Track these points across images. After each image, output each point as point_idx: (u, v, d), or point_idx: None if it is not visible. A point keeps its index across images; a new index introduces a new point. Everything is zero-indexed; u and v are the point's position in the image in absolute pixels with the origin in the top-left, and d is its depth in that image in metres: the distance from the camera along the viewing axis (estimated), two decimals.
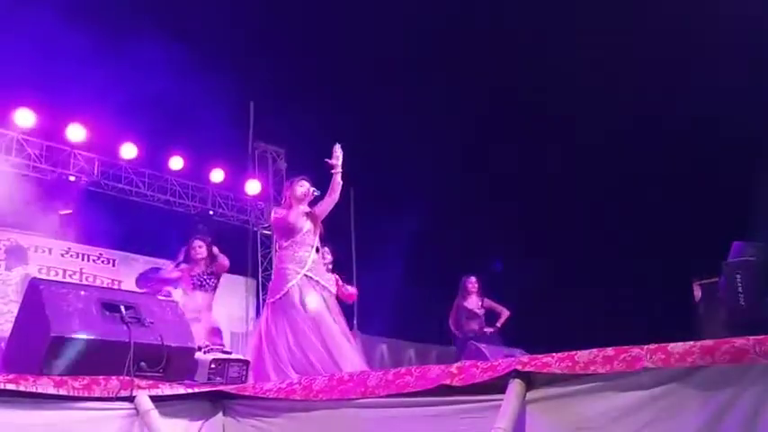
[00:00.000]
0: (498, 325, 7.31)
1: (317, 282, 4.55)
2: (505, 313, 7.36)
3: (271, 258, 11.89)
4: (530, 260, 10.10)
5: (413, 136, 10.51)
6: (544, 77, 9.68)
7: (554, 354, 2.20)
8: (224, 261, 5.80)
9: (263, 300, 11.34)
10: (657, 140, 9.76)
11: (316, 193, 4.77)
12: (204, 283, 5.68)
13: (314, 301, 4.39)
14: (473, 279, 7.42)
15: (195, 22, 9.37)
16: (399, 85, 10.44)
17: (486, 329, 7.24)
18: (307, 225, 4.70)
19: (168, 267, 6.02)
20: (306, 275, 4.49)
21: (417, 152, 10.39)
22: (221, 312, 9.95)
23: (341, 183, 4.77)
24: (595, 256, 10.00)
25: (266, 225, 12.05)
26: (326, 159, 4.78)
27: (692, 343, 1.99)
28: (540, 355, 2.22)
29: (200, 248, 5.76)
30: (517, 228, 10.43)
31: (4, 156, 9.00)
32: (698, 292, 5.39)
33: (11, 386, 2.47)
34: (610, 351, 2.07)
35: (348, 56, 10.24)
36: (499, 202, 10.47)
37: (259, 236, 11.97)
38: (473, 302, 7.35)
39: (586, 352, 2.12)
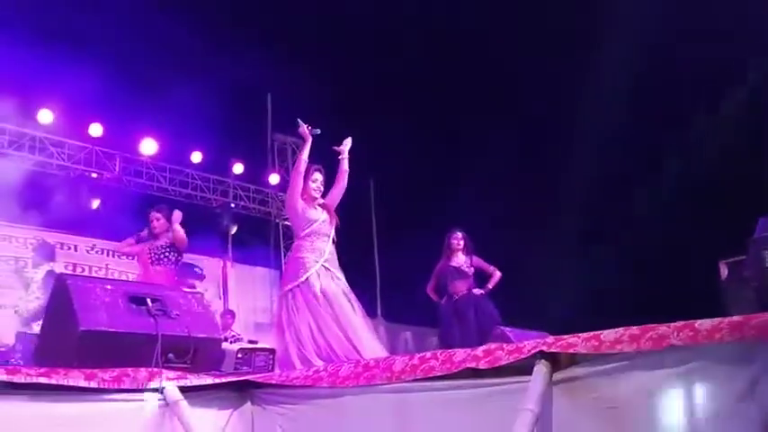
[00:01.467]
0: (490, 287, 6.35)
1: (333, 273, 4.56)
2: (497, 274, 6.40)
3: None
4: (552, 236, 9.92)
5: (432, 126, 10.47)
6: None
7: (579, 334, 2.18)
8: (180, 233, 5.48)
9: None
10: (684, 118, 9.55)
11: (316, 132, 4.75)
12: (163, 257, 5.43)
13: (332, 290, 4.39)
14: (458, 234, 6.46)
15: (209, 13, 9.38)
16: (417, 77, 10.37)
17: (475, 290, 6.29)
18: (322, 216, 4.70)
19: (128, 240, 5.74)
20: (323, 266, 4.52)
21: (431, 138, 10.34)
22: (246, 303, 10.07)
23: (347, 170, 4.77)
24: (621, 237, 9.85)
25: (287, 216, 12.12)
26: (334, 147, 4.79)
27: (719, 319, 1.96)
28: (565, 336, 2.21)
29: (157, 221, 5.51)
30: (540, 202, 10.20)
31: (27, 154, 9.13)
32: (724, 271, 5.31)
33: (43, 379, 2.51)
34: (636, 330, 2.06)
35: (364, 44, 10.20)
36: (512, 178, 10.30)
37: (281, 227, 12.04)
38: (459, 260, 6.41)
39: (612, 331, 2.10)
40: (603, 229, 10.11)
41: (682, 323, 2.00)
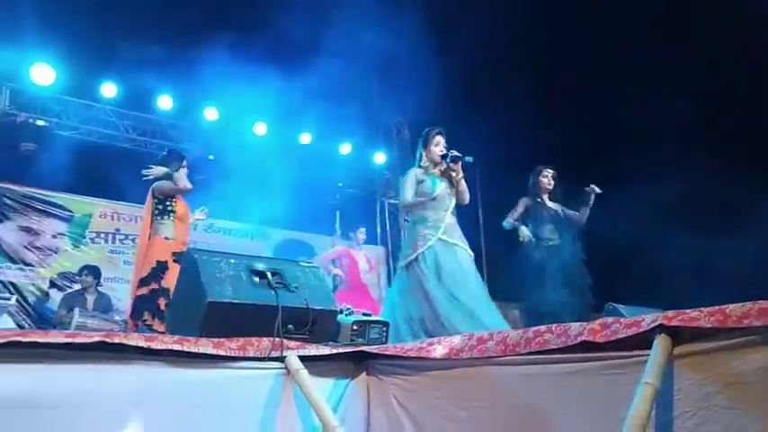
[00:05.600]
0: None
1: (453, 244, 4.52)
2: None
3: (399, 228, 12.12)
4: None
5: (531, 104, 10.19)
6: None
7: (702, 308, 2.12)
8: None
9: (394, 267, 11.65)
10: None
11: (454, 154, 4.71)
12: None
13: (450, 263, 4.39)
14: (550, 171, 5.76)
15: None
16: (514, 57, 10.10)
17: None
18: (441, 186, 4.67)
19: None
20: (441, 239, 4.50)
21: (539, 120, 10.06)
22: None
23: (465, 187, 4.78)
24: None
25: (392, 195, 12.27)
26: (451, 165, 4.75)
27: None
28: (687, 310, 2.16)
29: None
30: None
31: (149, 138, 9.69)
32: None
33: (176, 346, 2.69)
34: (765, 303, 1.98)
35: (468, 27, 10.06)
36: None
37: (387, 205, 12.20)
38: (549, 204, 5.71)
39: (738, 305, 2.03)
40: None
41: None
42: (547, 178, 5.77)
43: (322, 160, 11.24)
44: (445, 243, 4.49)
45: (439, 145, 4.74)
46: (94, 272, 7.81)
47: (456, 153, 4.71)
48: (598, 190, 5.47)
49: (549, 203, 5.74)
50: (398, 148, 12.35)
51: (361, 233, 8.38)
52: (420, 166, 4.76)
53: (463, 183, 4.75)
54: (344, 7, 8.64)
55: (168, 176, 5.64)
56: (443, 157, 4.74)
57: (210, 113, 10.10)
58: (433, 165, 4.73)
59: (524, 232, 5.47)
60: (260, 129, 10.44)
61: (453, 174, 4.72)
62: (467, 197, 4.80)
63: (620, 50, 9.54)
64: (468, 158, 4.76)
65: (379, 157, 11.93)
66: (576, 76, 9.77)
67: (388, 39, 8.91)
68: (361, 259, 8.14)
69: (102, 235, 9.46)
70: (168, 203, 5.57)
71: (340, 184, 11.56)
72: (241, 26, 8.81)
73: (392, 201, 12.25)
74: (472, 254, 4.75)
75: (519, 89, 9.54)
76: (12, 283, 8.49)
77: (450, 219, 4.60)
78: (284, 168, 10.67)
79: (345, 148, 11.38)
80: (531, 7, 9.67)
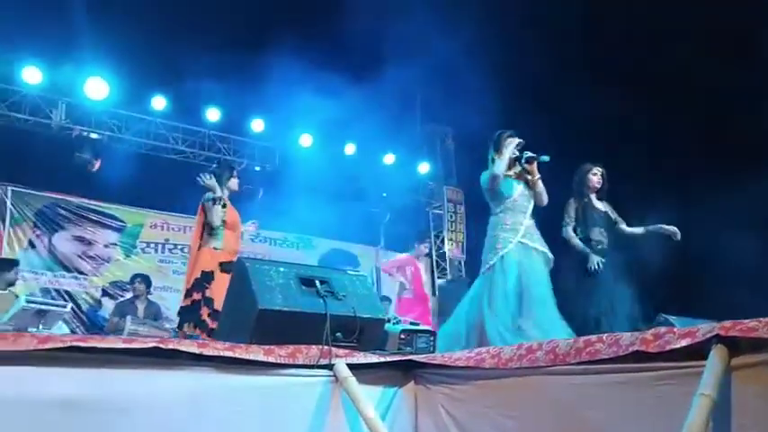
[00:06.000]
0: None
1: (534, 249, 4.40)
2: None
3: (443, 237, 12.10)
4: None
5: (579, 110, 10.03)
6: None
7: (760, 318, 2.07)
8: None
9: (438, 277, 11.64)
10: None
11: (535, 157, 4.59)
12: None
13: (528, 268, 4.25)
14: (599, 169, 5.37)
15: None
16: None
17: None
18: (518, 189, 4.56)
19: None
20: (521, 242, 4.35)
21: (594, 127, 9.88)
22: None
23: (543, 188, 4.66)
24: None
25: (437, 205, 12.27)
26: (525, 167, 4.65)
27: None
28: (744, 320, 2.11)
29: None
30: None
31: (197, 150, 9.91)
32: None
33: (228, 353, 2.74)
34: None
35: (509, 36, 9.99)
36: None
37: (430, 215, 12.21)
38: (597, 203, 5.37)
39: None
40: None
41: None
42: (596, 176, 5.37)
43: (366, 171, 11.31)
44: (525, 246, 4.37)
45: (511, 147, 4.62)
46: (146, 280, 7.98)
47: (531, 154, 4.61)
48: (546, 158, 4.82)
49: (597, 203, 5.38)
50: (442, 159, 12.36)
51: (425, 246, 8.43)
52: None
53: (540, 184, 4.60)
54: (386, 20, 8.69)
55: (218, 186, 5.73)
56: (517, 159, 4.63)
57: (257, 125, 10.26)
58: (508, 167, 4.62)
59: (593, 260, 5.17)
60: (305, 140, 10.55)
61: (529, 176, 4.62)
62: (545, 198, 4.65)
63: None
64: (544, 158, 4.64)
65: (423, 167, 11.94)
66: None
67: (433, 49, 8.95)
68: (424, 270, 8.23)
69: (153, 245, 9.69)
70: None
71: (384, 194, 11.60)
72: (285, 40, 8.94)
73: (436, 211, 12.25)
74: (552, 257, 4.58)
75: (566, 100, 9.38)
76: (66, 292, 8.76)
77: (528, 221, 4.47)
78: (329, 179, 10.78)
79: (389, 159, 11.43)
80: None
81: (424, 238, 8.65)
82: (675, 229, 5.22)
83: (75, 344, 2.43)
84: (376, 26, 8.62)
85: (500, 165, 4.51)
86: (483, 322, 4.15)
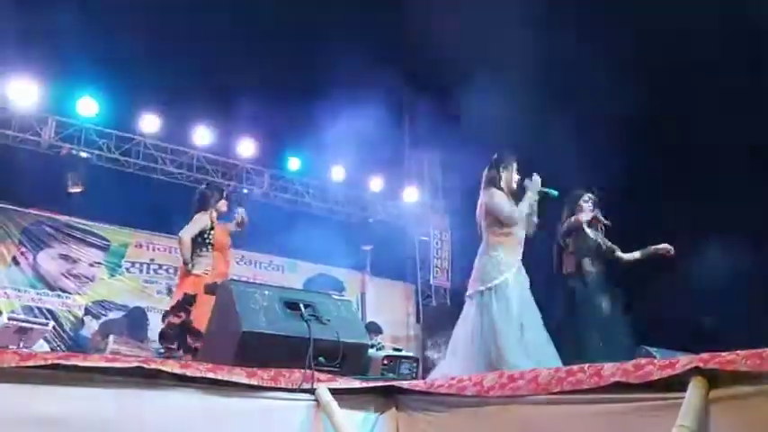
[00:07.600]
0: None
1: (525, 274, 4.33)
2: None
3: (429, 264, 12.11)
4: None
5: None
6: None
7: (739, 351, 2.10)
8: None
9: (423, 304, 11.64)
10: None
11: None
12: None
13: (524, 293, 4.18)
14: (589, 195, 5.30)
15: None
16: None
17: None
18: (523, 213, 4.43)
19: None
20: (518, 267, 4.26)
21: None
22: (384, 317, 10.29)
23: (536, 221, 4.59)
24: None
25: (423, 232, 12.31)
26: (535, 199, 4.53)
27: None
28: (723, 353, 2.14)
29: None
30: None
31: (185, 171, 9.91)
32: None
33: (210, 374, 2.73)
34: None
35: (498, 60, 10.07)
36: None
37: (417, 242, 12.22)
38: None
39: None
40: None
41: None
42: (588, 203, 5.26)
43: (353, 195, 11.36)
44: (519, 271, 4.29)
45: (513, 171, 4.59)
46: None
47: (545, 189, 4.54)
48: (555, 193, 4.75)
49: (589, 232, 5.24)
50: (429, 184, 12.42)
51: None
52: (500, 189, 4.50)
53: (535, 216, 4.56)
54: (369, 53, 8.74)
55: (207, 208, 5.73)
56: (522, 186, 4.56)
57: (245, 148, 10.28)
58: (512, 194, 4.58)
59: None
60: (293, 164, 10.63)
61: (534, 204, 4.50)
62: (533, 230, 4.56)
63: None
64: (554, 193, 4.61)
65: (410, 193, 11.98)
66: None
67: (418, 78, 9.04)
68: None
69: (138, 265, 9.63)
70: (207, 235, 5.63)
71: (370, 220, 11.64)
72: (274, 63, 8.99)
73: (422, 237, 12.27)
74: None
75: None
76: (49, 310, 8.67)
77: (521, 246, 4.41)
78: (316, 202, 10.81)
79: (376, 184, 11.48)
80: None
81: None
82: (668, 246, 5.22)
83: (57, 362, 2.42)
84: (361, 49, 8.68)
85: (523, 207, 4.45)
86: (499, 350, 4.02)
